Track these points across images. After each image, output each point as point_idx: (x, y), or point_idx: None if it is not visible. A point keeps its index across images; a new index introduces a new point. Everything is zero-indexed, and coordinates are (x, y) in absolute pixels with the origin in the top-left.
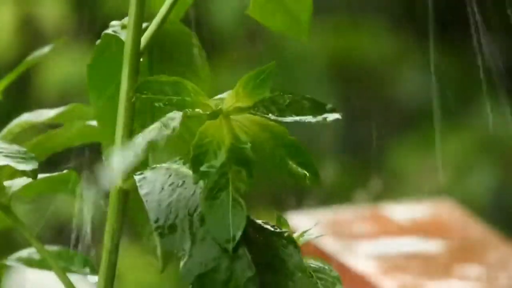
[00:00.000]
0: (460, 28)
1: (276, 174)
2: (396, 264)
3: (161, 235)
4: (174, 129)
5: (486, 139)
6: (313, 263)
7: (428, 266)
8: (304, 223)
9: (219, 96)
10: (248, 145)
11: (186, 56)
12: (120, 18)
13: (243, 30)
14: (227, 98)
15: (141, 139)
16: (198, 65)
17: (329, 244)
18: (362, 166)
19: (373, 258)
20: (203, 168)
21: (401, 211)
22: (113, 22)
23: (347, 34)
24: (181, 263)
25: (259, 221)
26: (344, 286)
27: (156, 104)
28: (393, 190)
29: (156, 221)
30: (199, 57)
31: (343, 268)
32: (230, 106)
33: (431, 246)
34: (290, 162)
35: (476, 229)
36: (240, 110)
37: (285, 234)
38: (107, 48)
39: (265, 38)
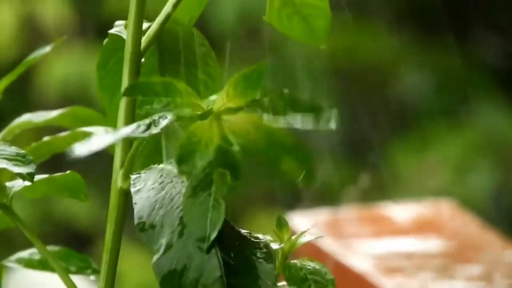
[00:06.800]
0: (460, 28)
1: (272, 173)
2: (395, 264)
3: (142, 229)
4: (162, 128)
5: (486, 139)
6: (309, 264)
7: (428, 266)
8: (304, 223)
9: (213, 96)
10: (236, 147)
11: (197, 57)
12: (120, 18)
13: (243, 30)
14: (217, 99)
15: (123, 131)
16: (210, 66)
17: (329, 244)
18: (362, 166)
19: (373, 258)
20: (187, 167)
21: (400, 211)
22: (118, 22)
23: (347, 34)
24: (154, 257)
25: (239, 229)
26: (344, 286)
27: (147, 107)
28: (393, 190)
29: (140, 216)
30: (210, 58)
31: (343, 268)
32: (221, 106)
33: (431, 246)
34: (285, 160)
35: (476, 229)
36: (231, 110)
37: (261, 244)
38: (115, 49)
39: (265, 38)
